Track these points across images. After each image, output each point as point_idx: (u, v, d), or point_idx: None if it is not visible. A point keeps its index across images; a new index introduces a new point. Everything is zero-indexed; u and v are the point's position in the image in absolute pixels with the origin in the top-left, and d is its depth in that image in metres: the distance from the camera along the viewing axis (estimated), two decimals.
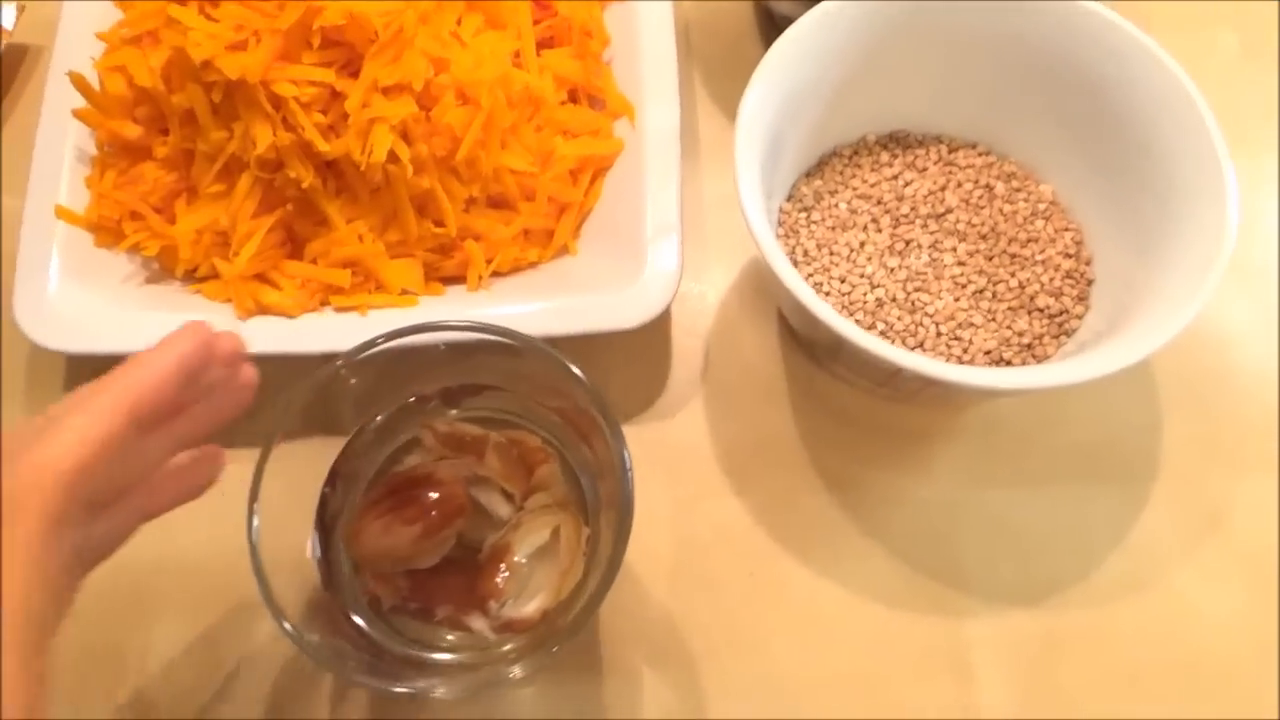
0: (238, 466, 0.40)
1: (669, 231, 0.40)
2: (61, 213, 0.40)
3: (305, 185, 0.37)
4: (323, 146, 0.36)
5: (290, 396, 0.31)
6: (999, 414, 0.42)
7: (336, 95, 0.37)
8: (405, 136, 0.37)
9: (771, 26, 0.47)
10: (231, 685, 0.38)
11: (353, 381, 0.32)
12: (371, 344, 0.31)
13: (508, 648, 0.34)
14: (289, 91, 0.36)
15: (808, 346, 0.42)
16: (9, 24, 0.49)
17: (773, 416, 0.42)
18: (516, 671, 0.31)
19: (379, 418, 0.35)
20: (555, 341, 0.33)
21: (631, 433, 0.33)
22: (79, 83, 0.40)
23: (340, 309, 0.39)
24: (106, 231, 0.41)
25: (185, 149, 0.39)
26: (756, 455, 0.41)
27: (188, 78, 0.37)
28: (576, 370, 0.31)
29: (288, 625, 0.29)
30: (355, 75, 0.37)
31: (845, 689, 0.38)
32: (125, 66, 0.39)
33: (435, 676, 0.32)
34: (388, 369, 0.33)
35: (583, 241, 0.42)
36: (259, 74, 0.35)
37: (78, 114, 0.40)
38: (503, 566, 0.33)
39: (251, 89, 0.35)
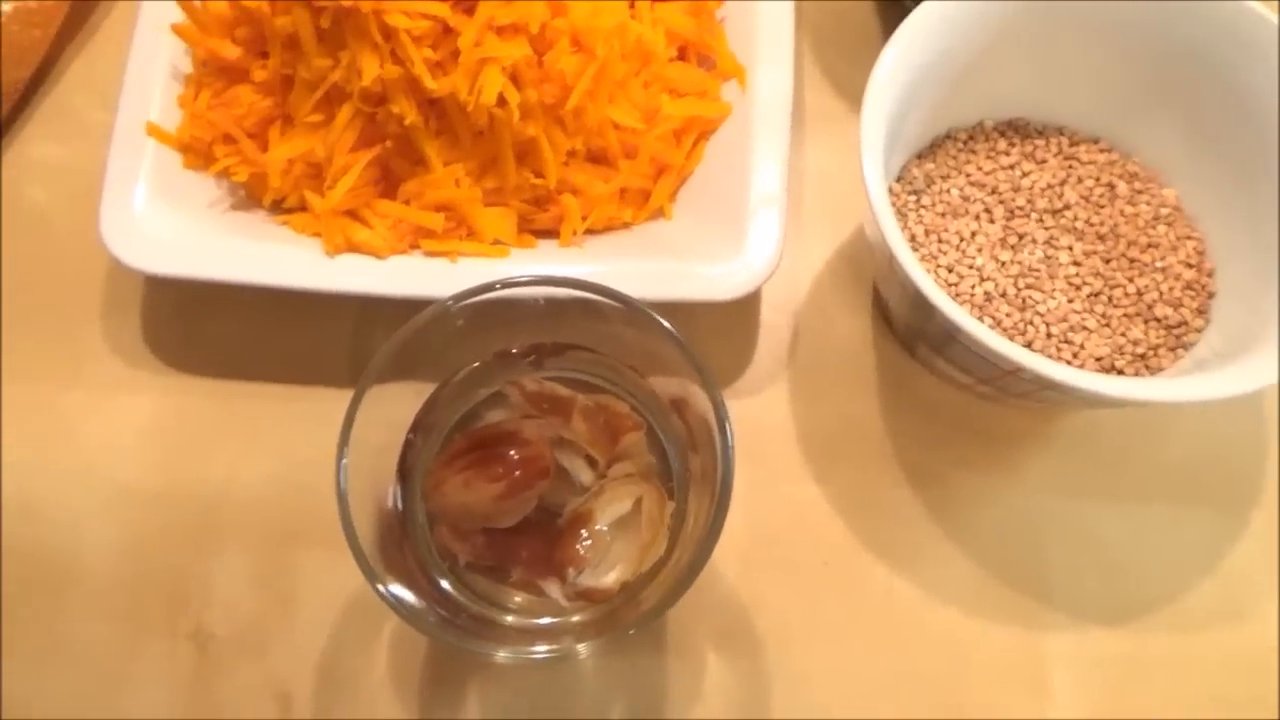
0: (305, 405, 0.40)
1: (772, 204, 0.38)
2: (153, 130, 0.39)
3: (408, 122, 0.36)
4: (430, 84, 0.35)
5: (397, 336, 0.30)
6: (1096, 423, 0.40)
7: (448, 32, 0.35)
8: (515, 80, 0.35)
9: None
10: (291, 621, 0.38)
11: (460, 324, 0.31)
12: (487, 288, 0.30)
13: (578, 618, 0.33)
14: (401, 23, 0.34)
15: (906, 337, 0.40)
16: None
17: (859, 405, 0.41)
18: (584, 650, 0.30)
19: (466, 369, 0.34)
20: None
21: None
22: None
23: (430, 253, 0.38)
24: (196, 153, 0.40)
25: (284, 75, 0.38)
26: (840, 443, 0.40)
27: (295, 1, 0.36)
28: (690, 348, 0.30)
29: (381, 587, 0.28)
30: (469, 13, 0.35)
31: (913, 691, 0.37)
32: None
33: (509, 640, 0.31)
34: (480, 320, 0.32)
35: (677, 206, 0.41)
36: (371, 2, 0.34)
37: (176, 29, 0.39)
38: (584, 534, 0.32)
39: (363, 17, 0.34)
